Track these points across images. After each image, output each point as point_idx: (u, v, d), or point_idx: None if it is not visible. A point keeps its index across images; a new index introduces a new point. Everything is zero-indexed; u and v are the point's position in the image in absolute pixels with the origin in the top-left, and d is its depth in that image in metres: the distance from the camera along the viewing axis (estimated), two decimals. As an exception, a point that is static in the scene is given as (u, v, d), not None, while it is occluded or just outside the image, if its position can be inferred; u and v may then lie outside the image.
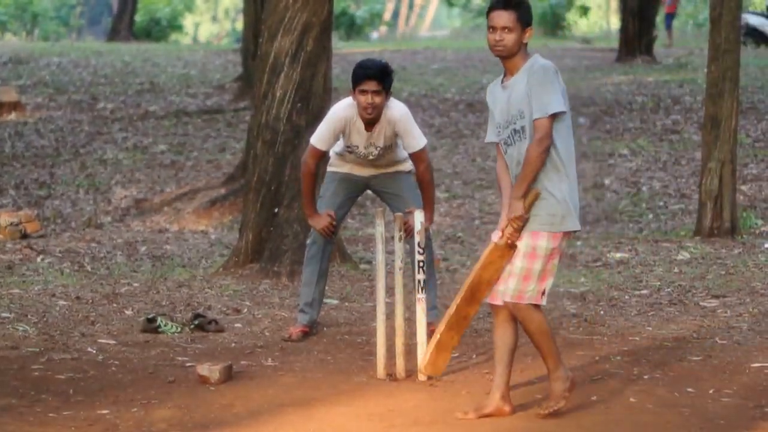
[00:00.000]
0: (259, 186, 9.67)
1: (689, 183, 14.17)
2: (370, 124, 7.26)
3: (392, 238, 6.88)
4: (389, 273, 7.04)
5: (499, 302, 5.70)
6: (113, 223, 13.17)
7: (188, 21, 49.33)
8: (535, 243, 5.55)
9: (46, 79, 22.88)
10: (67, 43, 34.57)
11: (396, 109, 7.26)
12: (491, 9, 5.63)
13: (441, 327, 5.83)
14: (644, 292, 8.96)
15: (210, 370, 6.45)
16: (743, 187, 13.55)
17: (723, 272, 9.53)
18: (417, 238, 6.63)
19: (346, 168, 7.55)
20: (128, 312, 8.32)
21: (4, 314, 8.08)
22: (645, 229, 12.42)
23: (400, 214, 6.85)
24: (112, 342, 7.43)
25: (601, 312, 8.34)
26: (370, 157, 7.40)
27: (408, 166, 7.51)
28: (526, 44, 5.62)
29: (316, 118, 8.79)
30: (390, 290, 7.16)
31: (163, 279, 9.55)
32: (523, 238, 5.57)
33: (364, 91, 7.14)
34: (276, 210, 9.61)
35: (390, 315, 6.80)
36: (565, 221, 5.56)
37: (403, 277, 6.76)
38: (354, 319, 8.22)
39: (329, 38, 9.81)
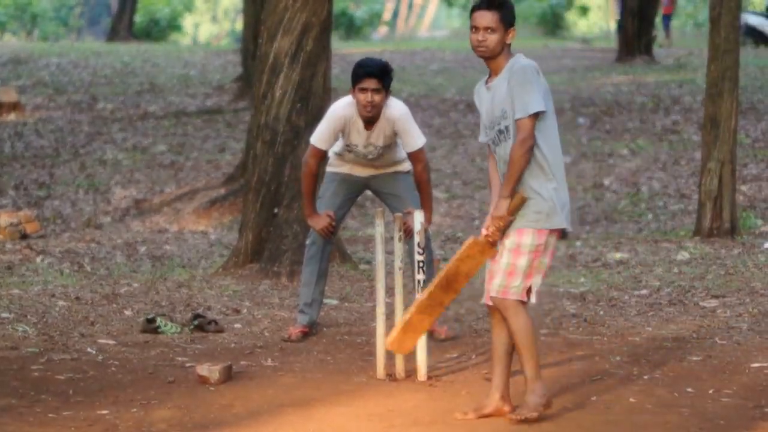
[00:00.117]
0: (259, 186, 9.67)
1: (689, 183, 14.17)
2: (369, 122, 7.26)
3: (392, 238, 6.88)
4: (389, 273, 7.04)
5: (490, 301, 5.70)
6: (113, 223, 13.17)
7: (188, 21, 49.32)
8: (520, 240, 5.57)
9: (45, 80, 22.89)
10: (66, 43, 34.57)
11: (395, 108, 7.26)
12: (474, 9, 5.65)
13: (412, 309, 5.81)
14: (644, 292, 8.95)
15: (210, 370, 6.45)
16: (743, 188, 13.55)
17: (723, 272, 9.53)
18: (416, 239, 6.63)
19: (345, 168, 7.55)
20: (128, 312, 8.32)
21: (3, 315, 8.08)
22: (645, 229, 12.42)
23: (399, 214, 6.85)
24: (112, 342, 7.42)
25: (601, 312, 8.34)
26: (370, 157, 7.40)
27: (407, 166, 7.51)
28: (509, 45, 5.65)
29: (315, 118, 8.79)
30: (390, 290, 7.16)
31: (163, 279, 9.55)
32: (510, 235, 5.60)
33: (363, 90, 7.14)
34: (276, 210, 9.61)
35: (390, 315, 6.80)
36: (551, 219, 5.57)
37: (403, 278, 6.76)
38: (354, 320, 8.22)
39: (329, 38, 9.81)
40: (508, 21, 5.62)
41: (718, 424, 5.63)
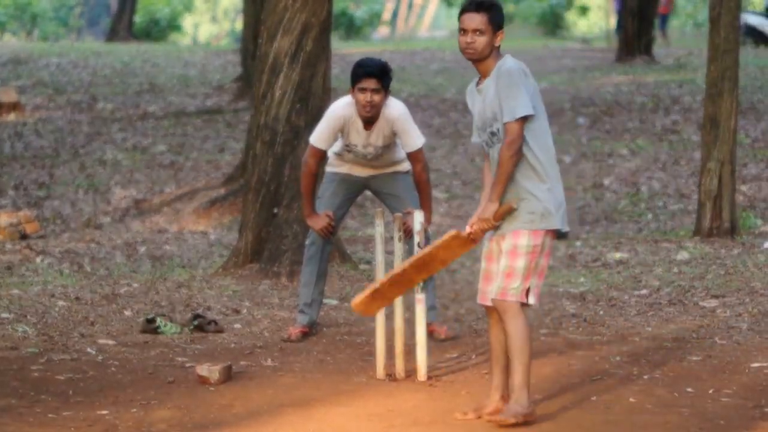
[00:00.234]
0: (259, 186, 9.67)
1: (688, 183, 14.17)
2: (368, 122, 7.27)
3: (392, 238, 6.88)
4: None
5: (488, 303, 5.71)
6: (113, 223, 13.16)
7: (187, 21, 49.31)
8: (516, 241, 5.57)
9: (45, 80, 22.88)
10: (66, 43, 34.55)
11: (395, 108, 7.27)
12: (463, 11, 5.66)
13: (384, 278, 5.87)
14: (644, 292, 8.95)
15: (209, 370, 6.45)
16: (742, 187, 13.54)
17: (722, 272, 9.53)
18: (416, 239, 6.63)
19: (344, 168, 7.55)
20: (128, 312, 8.32)
21: (3, 315, 8.08)
22: (644, 229, 12.42)
23: (399, 214, 6.85)
24: (112, 342, 7.42)
25: (601, 312, 8.34)
26: (369, 157, 7.41)
27: (406, 166, 7.51)
28: (498, 48, 5.64)
29: (315, 118, 8.79)
30: (389, 290, 7.15)
31: (163, 279, 9.55)
32: (506, 238, 5.61)
33: (363, 89, 7.15)
34: (275, 210, 9.61)
35: (389, 315, 6.80)
36: (545, 220, 5.57)
37: (403, 278, 6.75)
38: (353, 320, 8.22)
39: (328, 38, 9.81)
40: (496, 23, 5.62)
41: (718, 424, 5.64)
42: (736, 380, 6.44)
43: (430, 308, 7.35)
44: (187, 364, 6.86)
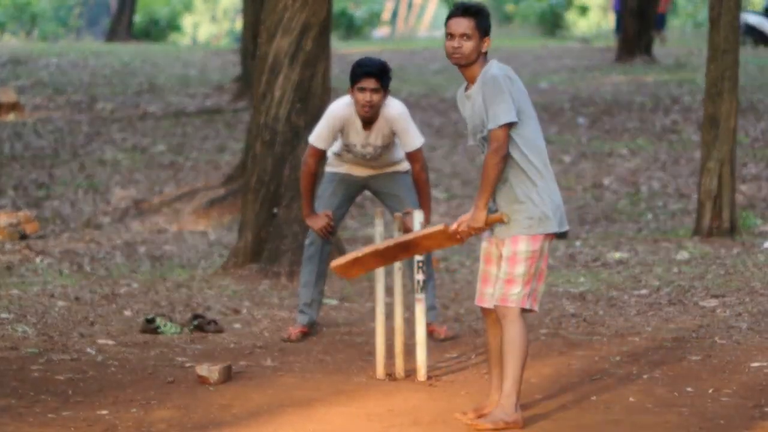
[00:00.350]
0: (258, 186, 9.67)
1: (688, 183, 14.16)
2: (368, 122, 7.27)
3: (391, 238, 6.87)
4: (388, 273, 7.04)
5: (487, 304, 5.71)
6: (112, 223, 13.16)
7: (187, 21, 49.29)
8: (515, 248, 5.57)
9: (44, 80, 22.86)
10: (65, 43, 34.55)
11: (394, 108, 7.27)
12: (450, 16, 5.66)
13: (369, 249, 5.93)
14: (643, 291, 8.95)
15: (209, 370, 6.45)
16: (742, 187, 13.54)
17: (722, 272, 9.53)
18: (416, 238, 6.62)
19: (344, 168, 7.55)
20: (127, 312, 8.32)
21: (3, 315, 8.08)
22: (644, 228, 12.41)
23: (399, 214, 6.85)
24: (112, 342, 7.42)
25: (601, 312, 8.33)
26: (368, 156, 7.41)
27: (405, 166, 7.51)
28: (485, 54, 5.64)
29: (314, 118, 8.79)
30: (389, 290, 7.16)
31: (162, 279, 9.55)
32: (505, 244, 5.61)
33: (362, 89, 7.15)
34: (275, 210, 9.61)
35: (389, 315, 6.80)
36: (543, 224, 5.57)
37: (402, 278, 6.76)
38: (353, 320, 8.22)
39: (328, 38, 9.81)
40: (483, 29, 5.62)
41: (718, 424, 5.64)
42: (735, 380, 6.44)
43: (430, 308, 7.35)
44: (187, 364, 6.86)
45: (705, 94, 11.31)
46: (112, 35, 34.63)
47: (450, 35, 5.62)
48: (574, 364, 6.84)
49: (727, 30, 10.95)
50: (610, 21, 38.28)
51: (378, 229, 6.73)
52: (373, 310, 7.45)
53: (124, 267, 10.26)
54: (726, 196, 11.01)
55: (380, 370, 6.65)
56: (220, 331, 7.80)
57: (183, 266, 10.28)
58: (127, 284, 9.33)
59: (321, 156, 7.41)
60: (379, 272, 6.67)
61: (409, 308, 7.25)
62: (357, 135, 7.32)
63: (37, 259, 10.48)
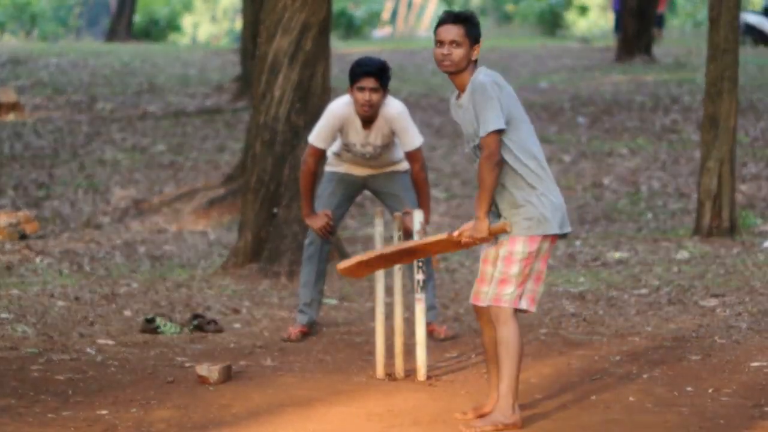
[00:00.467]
0: (258, 186, 9.67)
1: (688, 182, 14.17)
2: (367, 122, 7.27)
3: (391, 237, 6.88)
4: (388, 273, 7.04)
5: (481, 303, 5.71)
6: (112, 223, 13.16)
7: (187, 21, 49.30)
8: (513, 248, 5.57)
9: (44, 80, 22.87)
10: (65, 43, 34.55)
11: (393, 107, 7.27)
12: (439, 24, 5.65)
13: (374, 253, 5.97)
14: (643, 291, 8.95)
15: (209, 370, 6.45)
16: (742, 187, 13.54)
17: (722, 271, 9.53)
18: (416, 238, 6.62)
19: (343, 168, 7.56)
20: (127, 312, 8.32)
21: (3, 315, 8.08)
22: (644, 228, 12.41)
23: (398, 214, 6.85)
24: (111, 342, 7.42)
25: (600, 311, 8.33)
26: (367, 156, 7.41)
27: (404, 165, 7.51)
28: (475, 62, 5.63)
29: (314, 118, 8.79)
30: (389, 290, 7.16)
31: (162, 279, 9.55)
32: (503, 244, 5.61)
33: (361, 89, 7.15)
34: (275, 210, 9.61)
35: (389, 315, 6.80)
36: (542, 225, 5.56)
37: (402, 277, 6.76)
38: (353, 319, 8.22)
39: (328, 38, 9.81)
40: (473, 36, 5.61)
41: (718, 423, 5.63)
42: (735, 379, 6.44)
43: (430, 308, 7.35)
44: (187, 364, 6.86)
45: (705, 94, 11.30)
46: (111, 35, 34.63)
47: (440, 42, 5.61)
48: (573, 364, 6.84)
49: (726, 29, 10.96)
50: (609, 21, 38.25)
51: (378, 228, 6.73)
52: (372, 310, 7.45)
53: (124, 267, 10.26)
54: (726, 196, 11.01)
55: (380, 369, 6.65)
56: (219, 330, 7.80)
57: (183, 266, 10.28)
58: (126, 284, 9.33)
59: (320, 155, 7.41)
60: (379, 272, 6.67)
61: (409, 308, 7.24)
62: (356, 134, 7.32)
63: (37, 259, 10.48)
